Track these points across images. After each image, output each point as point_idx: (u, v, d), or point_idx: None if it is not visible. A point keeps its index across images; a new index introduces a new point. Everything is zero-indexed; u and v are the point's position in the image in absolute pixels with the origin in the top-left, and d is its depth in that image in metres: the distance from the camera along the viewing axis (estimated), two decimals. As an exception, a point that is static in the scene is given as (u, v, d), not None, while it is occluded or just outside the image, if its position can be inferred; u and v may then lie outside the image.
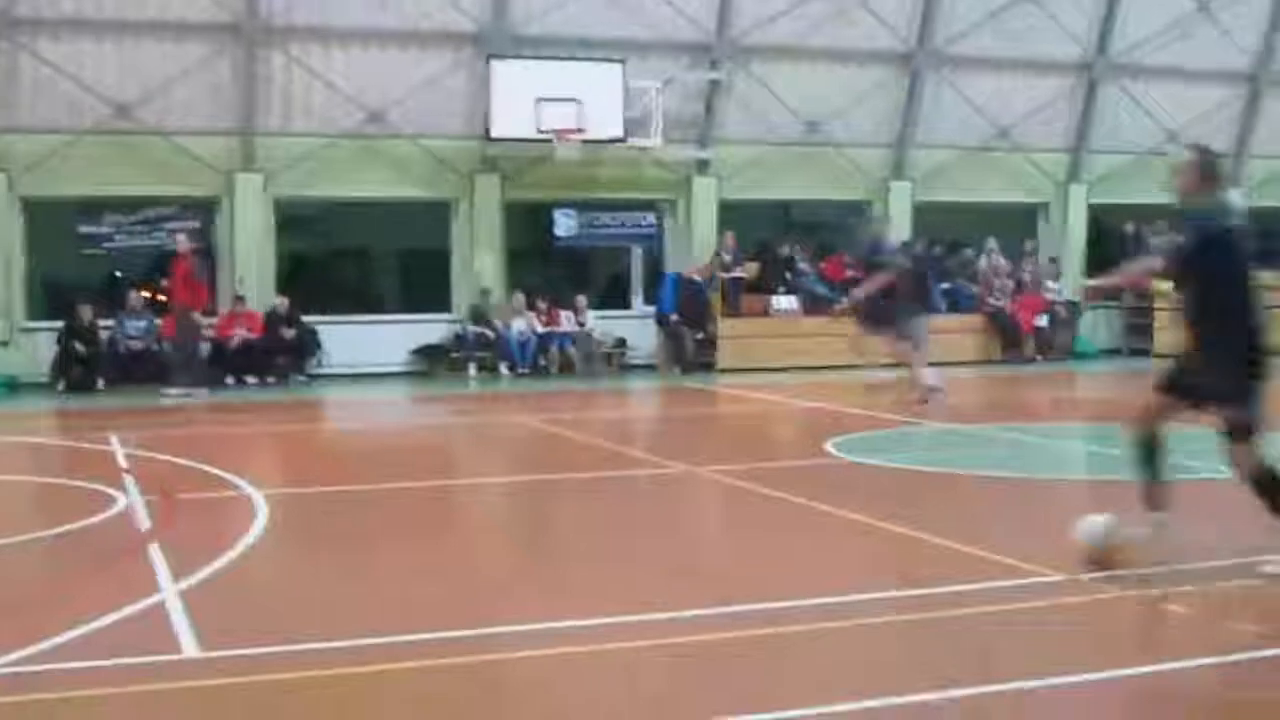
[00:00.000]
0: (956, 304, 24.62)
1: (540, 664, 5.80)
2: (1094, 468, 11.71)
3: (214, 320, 21.33)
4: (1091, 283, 10.46)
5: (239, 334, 21.28)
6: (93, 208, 21.44)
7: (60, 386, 20.22)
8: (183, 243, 20.04)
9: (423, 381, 21.91)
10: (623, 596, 6.93)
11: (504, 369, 22.33)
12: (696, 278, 23.44)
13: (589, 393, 20.38)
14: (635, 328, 23.93)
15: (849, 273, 21.09)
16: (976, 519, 9.05)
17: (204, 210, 21.97)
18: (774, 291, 23.88)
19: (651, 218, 24.26)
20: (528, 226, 24.31)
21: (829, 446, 12.59)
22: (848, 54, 24.27)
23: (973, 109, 25.01)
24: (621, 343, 23.76)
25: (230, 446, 14.66)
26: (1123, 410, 7.85)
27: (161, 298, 21.18)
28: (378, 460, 13.86)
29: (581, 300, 23.35)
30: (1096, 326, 25.52)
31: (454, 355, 22.54)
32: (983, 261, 25.00)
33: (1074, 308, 24.69)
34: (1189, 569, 7.08)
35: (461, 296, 23.17)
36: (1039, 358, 24.23)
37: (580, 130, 22.02)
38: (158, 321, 20.87)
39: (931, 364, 15.93)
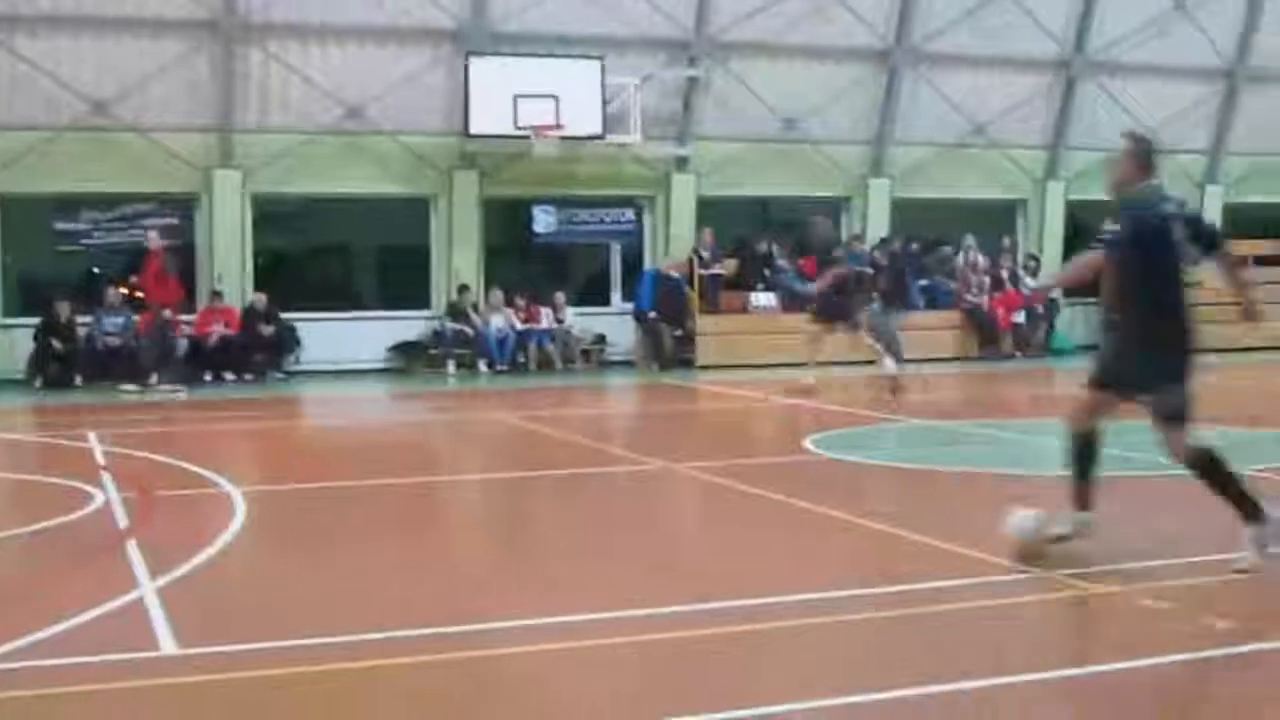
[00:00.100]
0: (934, 300, 24.72)
1: (518, 660, 5.79)
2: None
3: (192, 317, 21.28)
4: (1035, 284, 10.52)
5: (217, 330, 21.23)
6: (70, 204, 21.37)
7: (37, 383, 20.17)
8: (154, 239, 20.00)
9: (401, 378, 21.89)
10: (601, 593, 6.94)
11: (483, 366, 22.32)
12: (674, 274, 23.46)
13: (567, 389, 20.37)
14: (614, 324, 23.95)
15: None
16: (955, 515, 9.07)
17: (182, 207, 21.93)
18: (752, 288, 23.97)
19: (630, 214, 24.26)
20: (506, 223, 24.29)
21: (808, 443, 12.60)
22: (825, 51, 24.31)
23: (951, 106, 25.08)
24: (600, 339, 23.77)
25: (208, 443, 14.62)
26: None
27: (139, 294, 21.13)
28: (356, 457, 13.84)
29: (560, 297, 23.36)
30: (1073, 323, 25.63)
31: (433, 352, 22.53)
32: (960, 258, 25.09)
33: (1052, 305, 24.78)
34: (1161, 565, 7.13)
35: (440, 293, 23.15)
36: (1017, 354, 24.32)
37: (559, 126, 22.01)
38: (135, 318, 20.82)
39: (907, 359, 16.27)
